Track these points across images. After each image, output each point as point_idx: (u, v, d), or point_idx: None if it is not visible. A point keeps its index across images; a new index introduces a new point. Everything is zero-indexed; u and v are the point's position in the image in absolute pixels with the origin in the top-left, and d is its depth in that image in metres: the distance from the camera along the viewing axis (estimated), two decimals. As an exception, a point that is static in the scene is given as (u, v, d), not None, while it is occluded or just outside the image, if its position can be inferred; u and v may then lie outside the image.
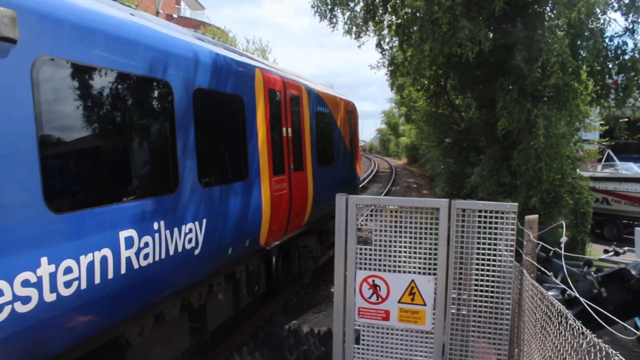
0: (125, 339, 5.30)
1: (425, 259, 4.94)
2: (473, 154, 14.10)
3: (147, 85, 5.45)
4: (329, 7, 13.30)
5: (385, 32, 14.41)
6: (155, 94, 5.60)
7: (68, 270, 4.20)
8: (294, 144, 9.56)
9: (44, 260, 3.96)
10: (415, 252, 4.95)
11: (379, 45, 14.90)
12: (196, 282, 6.44)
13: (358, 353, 5.16)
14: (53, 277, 4.04)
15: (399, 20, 13.05)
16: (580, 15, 9.82)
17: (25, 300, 3.80)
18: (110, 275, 4.67)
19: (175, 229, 5.64)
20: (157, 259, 5.31)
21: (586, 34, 10.43)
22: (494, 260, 4.67)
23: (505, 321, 4.66)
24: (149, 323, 5.68)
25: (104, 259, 4.59)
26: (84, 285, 4.36)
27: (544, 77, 9.95)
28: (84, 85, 4.60)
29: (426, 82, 17.13)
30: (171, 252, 5.56)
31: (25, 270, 3.81)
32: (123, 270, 4.82)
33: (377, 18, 13.05)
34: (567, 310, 2.83)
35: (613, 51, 10.98)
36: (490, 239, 4.65)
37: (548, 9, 11.12)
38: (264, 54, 35.55)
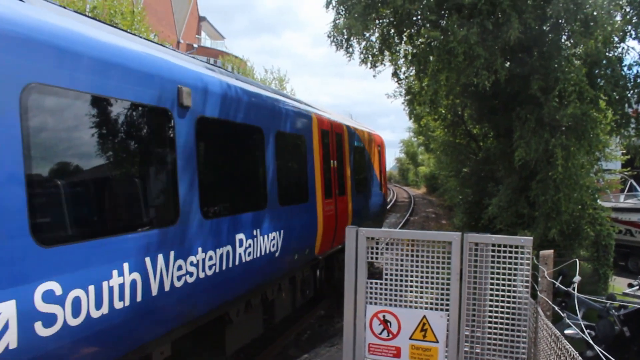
0: (228, 316, 6.99)
1: (437, 294, 4.77)
2: (491, 184, 13.91)
3: (252, 132, 7.55)
4: (345, 37, 13.35)
5: (401, 61, 14.44)
6: (255, 137, 7.64)
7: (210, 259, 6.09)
8: (338, 173, 11.56)
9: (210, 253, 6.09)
10: (427, 287, 4.79)
11: (395, 74, 14.91)
12: (271, 280, 8.08)
13: (368, 391, 4.98)
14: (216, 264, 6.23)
15: (415, 50, 13.06)
16: (597, 44, 9.73)
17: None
18: (231, 265, 6.53)
19: (266, 235, 7.53)
20: (255, 256, 7.16)
21: (604, 62, 10.31)
22: (509, 297, 4.49)
23: (521, 361, 4.46)
24: (242, 307, 7.38)
25: (227, 254, 6.45)
26: (217, 270, 6.21)
27: (562, 107, 9.81)
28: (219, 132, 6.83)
29: (443, 111, 17.07)
30: (262, 253, 7.39)
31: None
32: (237, 262, 6.67)
33: (392, 48, 13.06)
34: (579, 357, 2.65)
35: (632, 79, 10.81)
36: (504, 274, 4.48)
37: (564, 37, 11.03)
38: (281, 83, 35.90)
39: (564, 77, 9.54)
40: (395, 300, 4.86)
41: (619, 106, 10.87)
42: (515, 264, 4.42)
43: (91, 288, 4.28)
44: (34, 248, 3.81)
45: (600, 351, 2.99)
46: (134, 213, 5.23)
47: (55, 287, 3.95)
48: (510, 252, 4.43)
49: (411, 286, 4.83)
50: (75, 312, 4.11)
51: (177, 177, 5.56)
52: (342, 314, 5.07)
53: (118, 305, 4.55)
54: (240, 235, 6.77)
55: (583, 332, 5.35)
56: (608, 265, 11.40)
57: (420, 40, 12.31)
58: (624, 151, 15.19)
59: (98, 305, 4.34)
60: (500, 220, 11.57)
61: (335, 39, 13.75)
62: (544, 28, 10.96)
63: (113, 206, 5.02)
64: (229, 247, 6.44)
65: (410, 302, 4.83)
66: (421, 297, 4.80)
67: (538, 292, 4.41)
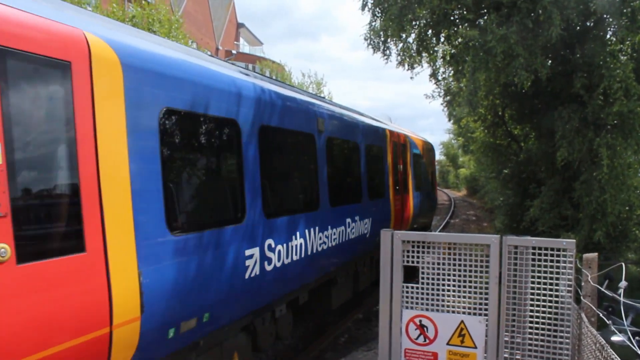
0: (336, 279, 9.22)
1: (475, 298, 4.64)
2: (533, 186, 13.54)
3: (353, 146, 10.10)
4: (382, 39, 13.27)
5: (439, 62, 14.24)
6: (354, 149, 10.14)
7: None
8: (403, 175, 14.05)
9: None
10: (465, 291, 4.67)
11: (433, 75, 14.74)
12: (360, 256, 10.35)
13: (405, 398, 4.89)
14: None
15: (453, 50, 12.86)
16: (644, 39, 9.36)
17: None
18: (344, 239, 9.08)
19: (362, 221, 10.03)
20: (357, 235, 9.70)
21: (652, 57, 9.91)
22: (551, 302, 4.32)
23: (564, 369, 4.28)
24: (344, 274, 9.64)
25: (341, 232, 8.98)
26: (333, 244, 8.55)
27: (607, 105, 9.48)
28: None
29: (483, 111, 16.76)
30: (360, 234, 9.92)
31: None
32: (347, 239, 9.20)
33: (430, 49, 12.89)
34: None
35: (682, 75, 10.35)
36: (546, 277, 4.31)
37: (609, 33, 10.66)
38: (318, 87, 35.99)
39: (609, 73, 9.21)
40: (432, 305, 4.75)
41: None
42: (558, 267, 4.26)
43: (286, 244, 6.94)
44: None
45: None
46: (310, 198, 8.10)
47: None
48: (552, 255, 4.26)
49: (448, 290, 4.71)
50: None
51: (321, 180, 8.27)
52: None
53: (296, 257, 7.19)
54: (348, 220, 9.28)
55: (631, 340, 5.12)
56: (658, 269, 10.94)
57: (458, 40, 12.11)
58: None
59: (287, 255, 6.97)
60: (543, 222, 11.25)
61: (372, 42, 13.68)
62: (588, 24, 10.63)
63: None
64: (342, 227, 8.97)
65: (448, 306, 4.71)
66: (459, 302, 4.68)
67: (582, 297, 4.23)
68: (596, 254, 4.31)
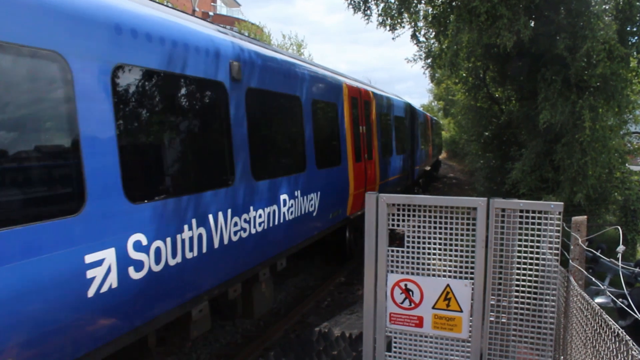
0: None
1: (461, 262, 4.59)
2: (514, 148, 13.55)
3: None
4: (363, -2, 13.00)
5: (421, 23, 14.00)
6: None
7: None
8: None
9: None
10: (450, 255, 4.61)
11: (414, 36, 14.50)
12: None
13: (390, 361, 4.88)
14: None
15: (435, 11, 12.63)
16: (630, -2, 9.24)
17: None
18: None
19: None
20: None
21: (637, 17, 9.80)
22: (537, 265, 4.29)
23: (550, 332, 4.28)
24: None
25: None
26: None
27: (590, 66, 9.40)
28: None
29: (464, 74, 16.63)
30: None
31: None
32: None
33: (411, 9, 12.63)
34: (628, 337, 2.45)
35: (667, 37, 10.32)
36: (532, 241, 4.27)
37: (594, -7, 10.51)
38: (299, 49, 35.40)
39: (592, 35, 9.10)
40: (418, 269, 4.70)
41: (651, 65, 10.42)
42: (544, 230, 4.21)
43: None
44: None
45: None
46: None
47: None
48: (540, 218, 4.21)
49: (434, 254, 4.65)
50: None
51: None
52: (363, 281, 4.93)
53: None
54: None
55: (614, 301, 5.16)
56: (637, 231, 11.10)
57: (440, 0, 11.87)
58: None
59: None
60: (524, 185, 11.29)
61: (352, 1, 13.38)
62: (572, -17, 10.46)
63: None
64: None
65: (433, 270, 4.66)
66: (444, 266, 4.63)
67: (570, 260, 4.19)
68: (585, 217, 4.27)
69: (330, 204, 9.59)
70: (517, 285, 4.36)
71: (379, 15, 13.09)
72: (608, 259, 6.54)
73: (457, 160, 47.75)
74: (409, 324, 4.77)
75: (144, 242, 4.65)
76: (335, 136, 10.07)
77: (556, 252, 4.16)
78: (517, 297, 4.37)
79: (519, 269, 4.34)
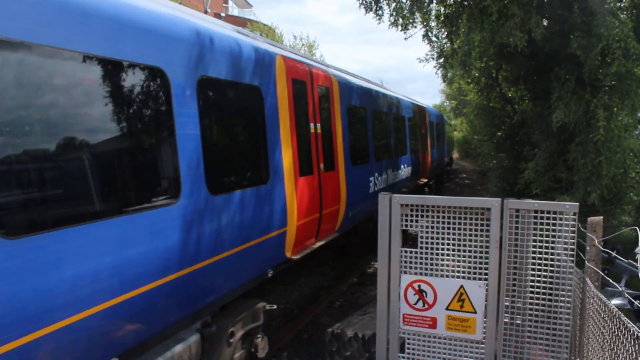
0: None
1: (475, 263, 4.56)
2: (527, 148, 13.46)
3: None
4: (375, -2, 12.98)
5: (433, 23, 13.94)
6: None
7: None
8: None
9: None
10: (464, 256, 4.59)
11: (426, 36, 14.43)
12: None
13: (403, 362, 4.86)
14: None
15: (447, 10, 12.56)
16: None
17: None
18: None
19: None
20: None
21: (654, 15, 9.71)
22: (552, 266, 4.25)
23: (565, 333, 4.24)
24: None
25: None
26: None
27: (604, 65, 9.30)
28: None
29: (477, 74, 16.54)
30: None
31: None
32: None
33: (423, 8, 12.57)
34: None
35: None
36: (547, 241, 4.23)
37: (608, -9, 10.41)
38: (310, 50, 35.45)
39: (607, 33, 9.01)
40: (431, 270, 4.68)
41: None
42: (559, 231, 4.17)
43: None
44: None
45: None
46: None
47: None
48: (555, 218, 4.17)
49: (447, 255, 4.63)
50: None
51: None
52: (375, 282, 4.92)
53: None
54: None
55: (632, 303, 5.10)
56: (652, 231, 10.96)
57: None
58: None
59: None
60: (537, 185, 11.20)
61: (364, 2, 13.34)
62: (586, -19, 10.36)
63: None
64: None
65: (447, 271, 4.64)
66: (458, 266, 4.61)
67: (585, 262, 4.15)
68: (601, 217, 4.22)
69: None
70: (532, 287, 4.33)
71: (391, 15, 13.05)
72: (626, 260, 6.47)
73: (468, 161, 47.45)
74: (423, 325, 4.76)
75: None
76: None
77: (571, 252, 4.12)
78: (531, 298, 4.34)
79: (533, 269, 4.30)
